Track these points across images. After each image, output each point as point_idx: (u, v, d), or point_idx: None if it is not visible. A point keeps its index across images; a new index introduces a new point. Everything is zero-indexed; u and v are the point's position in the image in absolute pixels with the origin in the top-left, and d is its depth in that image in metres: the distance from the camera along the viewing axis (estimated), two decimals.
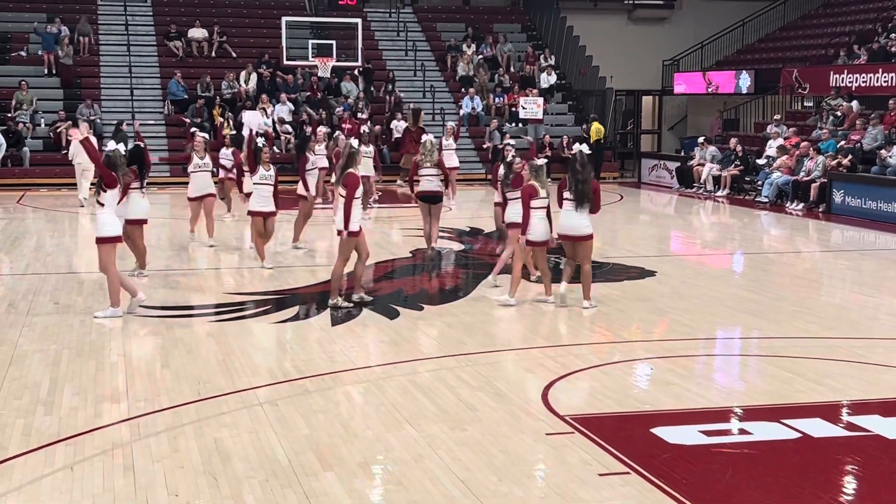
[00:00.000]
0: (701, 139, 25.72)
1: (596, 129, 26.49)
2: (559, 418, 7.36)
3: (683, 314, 11.06)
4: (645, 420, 7.39)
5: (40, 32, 28.09)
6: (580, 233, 11.21)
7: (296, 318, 10.76)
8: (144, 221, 12.70)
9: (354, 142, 11.71)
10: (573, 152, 11.44)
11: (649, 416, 7.48)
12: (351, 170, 11.00)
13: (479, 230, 17.65)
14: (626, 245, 16.65)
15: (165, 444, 6.81)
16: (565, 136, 27.96)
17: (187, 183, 15.83)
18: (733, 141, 24.84)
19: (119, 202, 10.71)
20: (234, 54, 29.71)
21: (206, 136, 15.04)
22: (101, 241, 10.43)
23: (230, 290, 12.26)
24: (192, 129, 15.33)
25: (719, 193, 23.84)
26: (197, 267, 13.76)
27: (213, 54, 29.76)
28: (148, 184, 13.15)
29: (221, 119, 25.68)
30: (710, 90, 30.58)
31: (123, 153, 10.94)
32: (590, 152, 11.55)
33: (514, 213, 11.81)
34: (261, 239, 13.39)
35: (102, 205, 10.43)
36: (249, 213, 13.38)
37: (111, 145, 10.95)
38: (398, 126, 26.96)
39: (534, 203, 11.26)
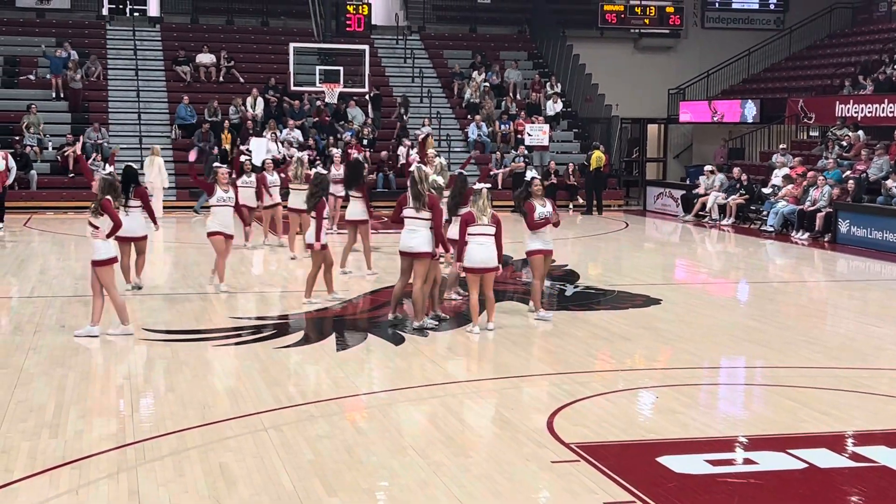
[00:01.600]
0: (708, 167, 25.72)
1: (597, 157, 26.56)
2: (564, 446, 7.34)
3: (688, 342, 11.04)
4: (650, 449, 7.37)
5: (49, 56, 28.26)
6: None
7: (301, 342, 10.76)
8: (130, 240, 13.03)
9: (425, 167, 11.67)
10: (526, 178, 11.51)
11: (655, 445, 7.46)
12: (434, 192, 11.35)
13: None
14: (632, 273, 16.65)
15: (170, 468, 6.80)
16: (571, 164, 28.01)
17: (192, 208, 15.85)
18: (737, 170, 24.87)
19: (115, 227, 10.71)
20: (241, 80, 29.85)
21: (228, 169, 14.40)
22: (97, 264, 10.56)
23: (236, 314, 12.26)
24: (215, 165, 14.99)
25: (724, 222, 23.84)
26: (203, 290, 13.77)
27: (221, 79, 29.91)
28: (140, 208, 13.32)
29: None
30: (715, 119, 30.66)
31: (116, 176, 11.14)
32: (537, 178, 11.80)
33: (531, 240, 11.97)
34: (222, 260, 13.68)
35: (97, 227, 10.56)
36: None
37: (107, 168, 11.11)
38: (404, 153, 26.97)
39: (471, 230, 11.06)
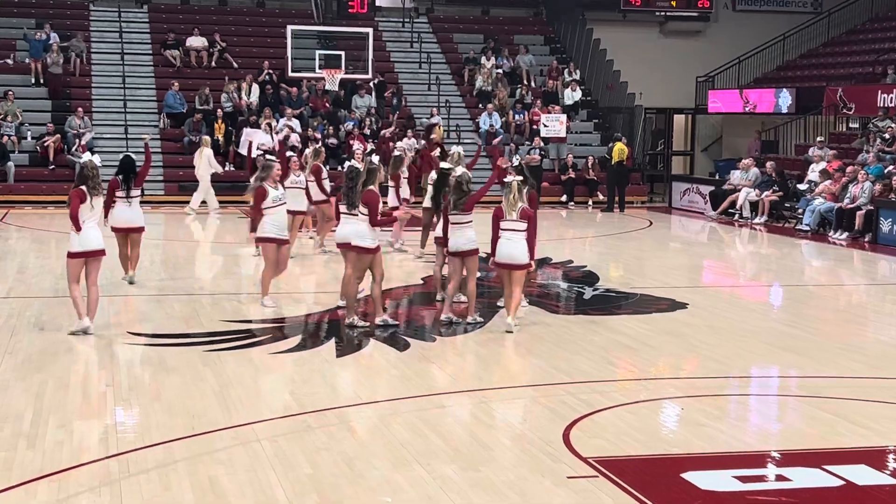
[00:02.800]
0: (746, 160, 25.64)
1: (619, 149, 26.51)
2: (581, 460, 7.34)
3: (717, 350, 11.04)
4: (674, 464, 7.37)
5: (28, 39, 28.31)
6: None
7: (298, 348, 10.78)
8: (129, 230, 13.56)
9: (375, 158, 12.11)
10: (506, 180, 11.67)
11: (679, 460, 7.45)
12: (371, 187, 11.48)
13: None
14: (656, 274, 16.64)
15: (156, 482, 6.82)
16: (590, 157, 28.00)
17: (183, 202, 15.89)
18: (771, 164, 24.83)
19: (83, 222, 10.91)
20: (235, 65, 29.91)
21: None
22: (67, 255, 11.03)
23: (228, 317, 12.29)
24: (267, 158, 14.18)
25: (757, 221, 23.81)
26: (192, 292, 13.80)
27: (213, 64, 29.96)
28: (139, 198, 13.80)
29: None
30: (747, 109, 30.62)
31: (99, 164, 11.20)
32: (521, 179, 11.79)
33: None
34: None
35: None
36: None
37: (86, 156, 11.29)
38: (409, 145, 26.71)
39: (502, 224, 11.51)
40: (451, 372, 10.03)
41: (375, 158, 12.36)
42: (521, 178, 11.78)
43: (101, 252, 11.12)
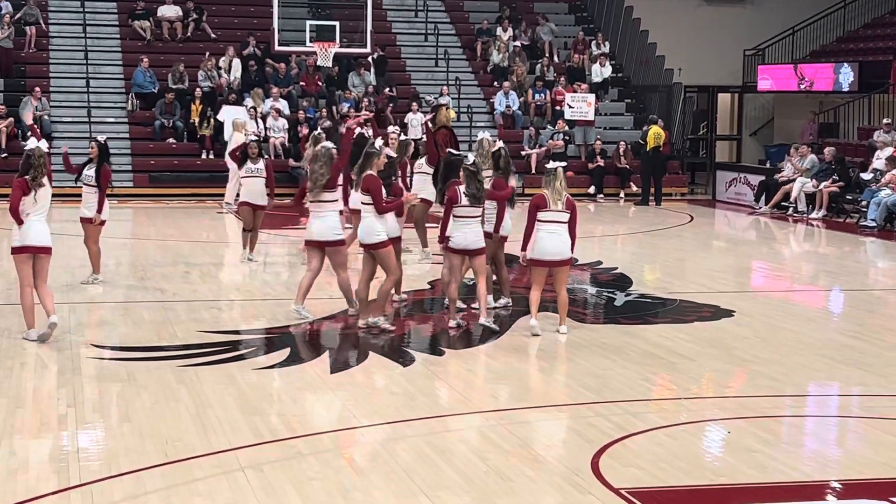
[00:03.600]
0: (803, 147, 25.59)
1: (654, 133, 26.48)
2: (613, 492, 7.33)
3: (768, 364, 11.02)
4: (721, 495, 7.36)
5: None
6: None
7: (287, 362, 10.78)
8: (90, 221, 14.21)
9: (379, 141, 12.46)
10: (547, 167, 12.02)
11: (726, 491, 7.44)
12: (370, 172, 11.82)
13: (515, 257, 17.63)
14: (697, 278, 16.62)
15: None
16: (622, 143, 28.00)
17: (153, 195, 15.92)
18: (830, 150, 24.79)
19: (27, 215, 11.21)
20: (213, 36, 29.95)
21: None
22: (11, 252, 11.30)
23: (206, 326, 12.30)
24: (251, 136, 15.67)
25: (813, 215, 23.77)
26: (165, 298, 13.82)
27: (189, 36, 29.99)
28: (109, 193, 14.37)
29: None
30: (802, 87, 30.57)
31: (46, 151, 11.48)
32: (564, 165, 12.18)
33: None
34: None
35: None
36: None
37: (31, 143, 11.52)
38: (413, 120, 26.49)
39: (542, 215, 11.76)
40: (463, 390, 10.02)
41: (379, 142, 12.46)
42: (563, 164, 12.10)
43: (47, 249, 11.37)
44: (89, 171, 14.25)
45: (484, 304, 12.24)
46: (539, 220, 11.74)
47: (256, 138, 16.82)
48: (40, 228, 11.28)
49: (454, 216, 12.07)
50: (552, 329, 12.22)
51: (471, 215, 12.05)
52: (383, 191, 11.90)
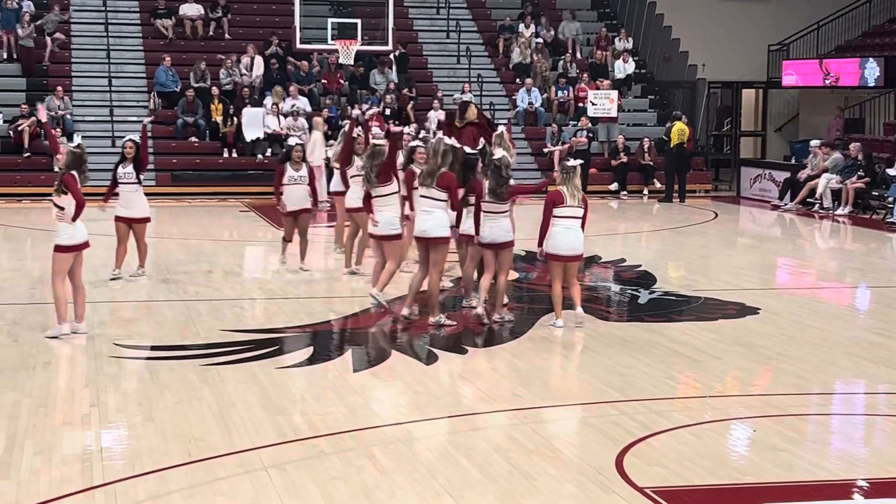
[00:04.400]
0: (815, 143, 25.51)
1: (678, 129, 26.41)
2: (637, 491, 7.32)
3: (794, 362, 10.98)
4: (747, 494, 7.34)
5: (0, 6, 28.44)
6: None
7: (309, 361, 10.80)
8: (144, 220, 14.66)
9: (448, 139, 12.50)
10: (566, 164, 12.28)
11: (752, 490, 7.42)
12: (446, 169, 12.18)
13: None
14: (722, 275, 16.57)
15: None
16: (645, 139, 27.94)
17: (177, 194, 15.97)
18: (855, 146, 24.68)
19: (78, 211, 11.38)
20: (228, 35, 30.02)
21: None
22: (59, 249, 11.35)
23: (228, 326, 12.33)
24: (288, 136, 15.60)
25: (839, 211, 23.67)
26: (187, 297, 13.86)
27: (212, 35, 30.05)
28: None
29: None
30: (827, 82, 30.44)
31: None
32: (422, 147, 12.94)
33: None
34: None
35: (62, 208, 11.31)
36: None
37: (77, 139, 11.78)
38: (434, 117, 26.54)
39: (558, 212, 12.07)
40: (486, 388, 10.02)
41: (450, 140, 12.60)
42: (581, 162, 12.41)
43: (88, 244, 11.62)
44: (126, 170, 14.35)
45: (501, 300, 12.43)
46: (555, 217, 12.02)
47: (301, 143, 16.40)
48: (83, 225, 11.51)
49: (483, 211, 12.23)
50: (574, 326, 12.21)
51: (495, 210, 12.20)
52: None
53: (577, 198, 12.04)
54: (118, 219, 14.51)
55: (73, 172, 11.37)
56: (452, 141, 12.44)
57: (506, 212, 12.30)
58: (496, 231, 12.21)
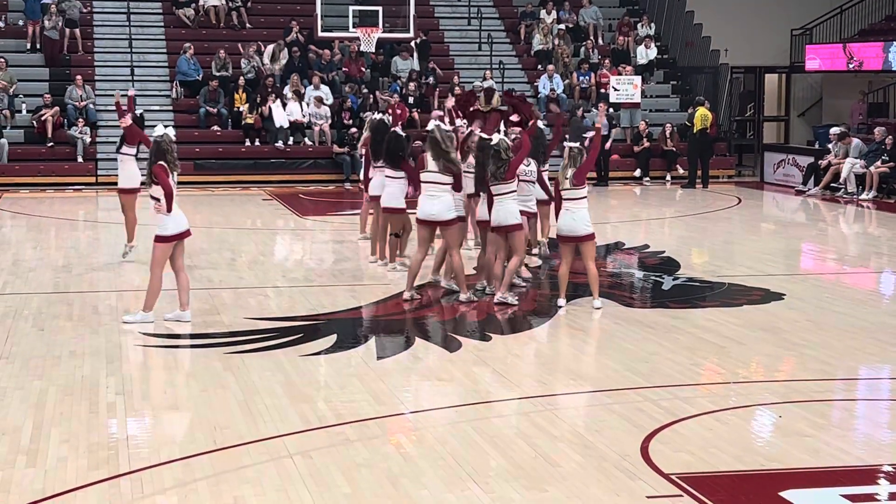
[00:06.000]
0: (835, 130, 25.38)
1: (702, 115, 26.31)
2: (663, 477, 7.31)
3: (819, 348, 10.94)
4: (772, 480, 7.32)
5: None
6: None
7: (334, 348, 10.82)
8: (125, 191, 15.28)
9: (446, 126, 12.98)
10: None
11: (777, 476, 7.40)
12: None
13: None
14: (746, 261, 16.52)
15: (175, 503, 6.87)
16: (668, 125, 27.85)
17: (199, 183, 15.97)
18: (880, 130, 24.55)
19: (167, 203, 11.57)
20: (249, 24, 30.04)
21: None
22: (159, 239, 11.57)
23: (252, 313, 12.36)
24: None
25: (864, 196, 23.57)
26: (211, 285, 13.89)
27: (235, 23, 30.07)
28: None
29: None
30: (851, 66, 30.29)
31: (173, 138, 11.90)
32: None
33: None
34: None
35: (157, 199, 11.51)
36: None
37: (160, 129, 11.80)
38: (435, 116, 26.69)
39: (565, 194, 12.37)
40: (510, 375, 10.01)
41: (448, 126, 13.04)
42: (574, 144, 12.57)
43: (189, 233, 11.87)
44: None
45: (508, 279, 12.59)
46: (564, 200, 12.35)
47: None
48: (182, 214, 11.71)
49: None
50: (599, 313, 12.22)
51: (499, 192, 12.39)
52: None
53: (569, 179, 12.24)
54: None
55: (162, 163, 11.47)
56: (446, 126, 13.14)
57: (512, 192, 12.45)
58: (500, 213, 12.40)
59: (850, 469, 7.57)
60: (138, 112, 15.77)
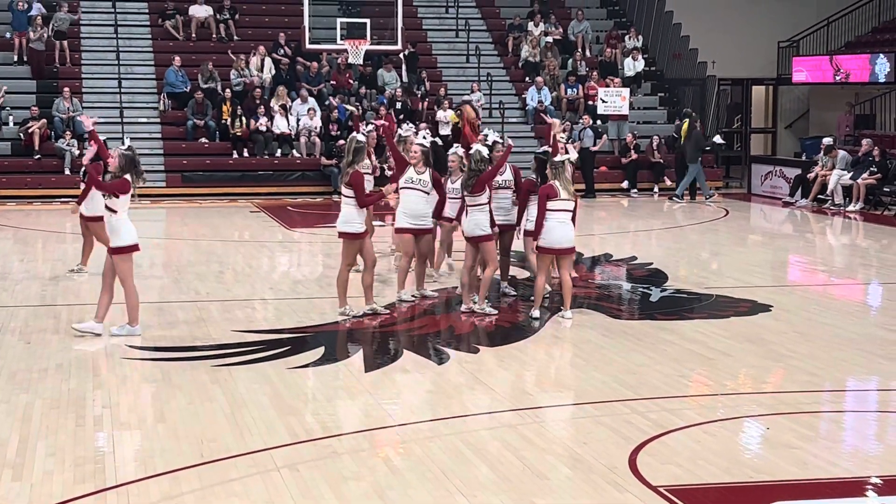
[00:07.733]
0: (827, 140, 25.45)
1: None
2: (651, 489, 7.31)
3: (806, 360, 10.96)
4: (760, 492, 7.33)
5: (11, 8, 28.47)
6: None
7: (321, 361, 10.80)
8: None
9: (360, 136, 12.80)
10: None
11: (766, 488, 7.40)
12: (357, 167, 12.44)
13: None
14: (733, 272, 16.55)
15: None
16: (655, 137, 27.90)
17: (186, 195, 15.97)
18: (867, 142, 24.62)
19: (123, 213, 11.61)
20: (237, 36, 30.03)
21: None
22: (115, 251, 11.51)
23: (239, 326, 12.33)
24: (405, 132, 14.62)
25: (851, 208, 23.63)
26: (199, 298, 13.87)
27: (223, 35, 30.05)
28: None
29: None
30: (838, 79, 30.38)
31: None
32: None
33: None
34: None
35: (115, 211, 11.48)
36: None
37: (127, 142, 12.01)
38: (444, 117, 26.77)
39: (552, 205, 12.31)
40: (498, 387, 10.01)
41: (361, 137, 12.87)
42: (569, 157, 12.69)
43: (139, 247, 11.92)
44: None
45: (484, 292, 12.74)
46: (548, 210, 12.28)
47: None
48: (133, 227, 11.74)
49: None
50: (586, 325, 12.22)
51: (471, 203, 12.66)
52: (366, 185, 12.77)
53: (570, 191, 12.36)
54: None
55: (127, 176, 11.49)
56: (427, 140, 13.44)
57: (482, 205, 12.61)
58: (468, 224, 12.68)
59: (838, 481, 7.57)
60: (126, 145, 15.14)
